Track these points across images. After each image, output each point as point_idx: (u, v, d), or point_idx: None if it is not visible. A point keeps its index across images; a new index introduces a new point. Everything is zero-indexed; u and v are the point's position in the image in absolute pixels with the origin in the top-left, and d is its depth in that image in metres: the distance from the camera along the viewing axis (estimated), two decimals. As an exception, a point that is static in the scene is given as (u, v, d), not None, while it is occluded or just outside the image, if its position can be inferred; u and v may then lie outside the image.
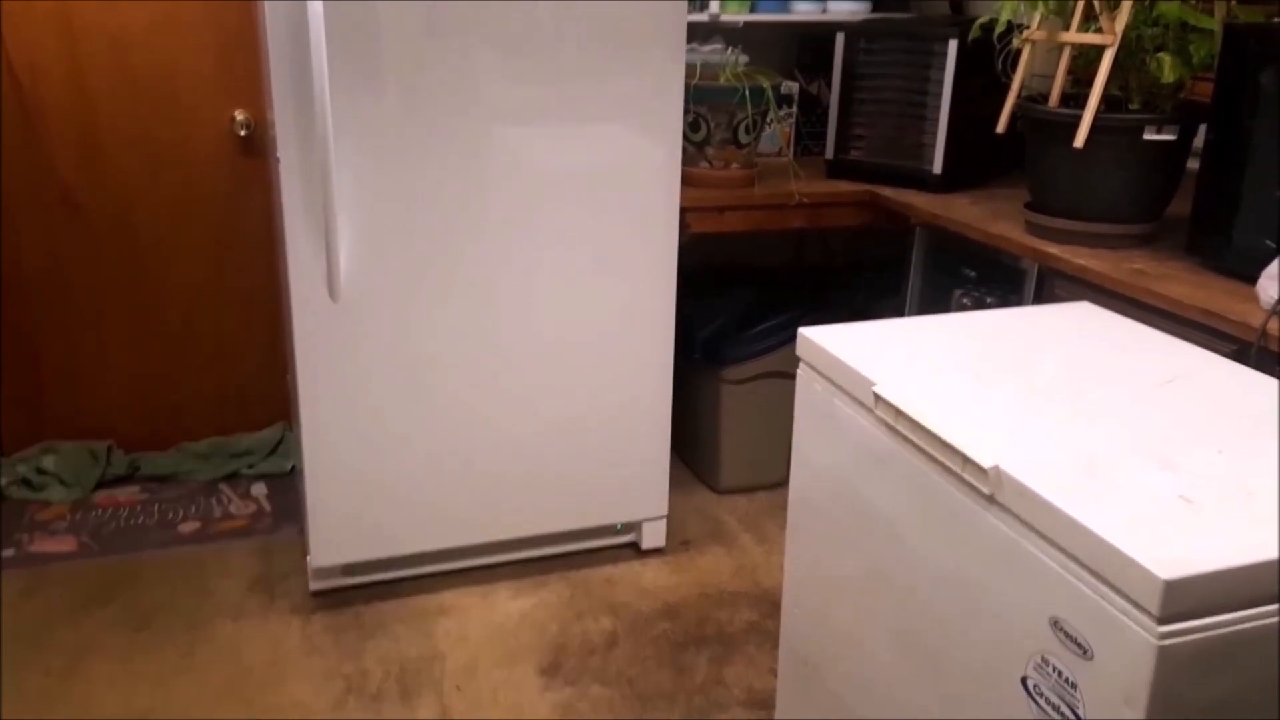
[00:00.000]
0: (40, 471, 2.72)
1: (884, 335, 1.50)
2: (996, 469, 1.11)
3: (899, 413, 1.27)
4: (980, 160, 2.47)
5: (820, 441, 1.48)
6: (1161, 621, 0.92)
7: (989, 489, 1.12)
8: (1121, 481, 1.07)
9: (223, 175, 2.73)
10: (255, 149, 2.73)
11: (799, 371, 1.52)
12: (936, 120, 2.40)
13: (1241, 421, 1.22)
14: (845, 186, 2.54)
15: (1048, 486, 1.05)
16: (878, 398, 1.31)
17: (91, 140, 2.62)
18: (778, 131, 2.82)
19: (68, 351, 2.76)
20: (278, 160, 1.98)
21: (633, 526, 2.49)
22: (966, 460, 1.14)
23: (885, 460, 1.31)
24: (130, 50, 2.58)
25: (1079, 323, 1.55)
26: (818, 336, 1.48)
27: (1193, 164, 1.86)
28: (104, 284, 2.74)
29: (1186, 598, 0.92)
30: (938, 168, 2.42)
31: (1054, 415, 1.23)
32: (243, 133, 2.70)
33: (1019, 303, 2.07)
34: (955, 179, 2.43)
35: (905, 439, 1.27)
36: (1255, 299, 1.58)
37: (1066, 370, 1.37)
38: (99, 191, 2.66)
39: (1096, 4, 1.85)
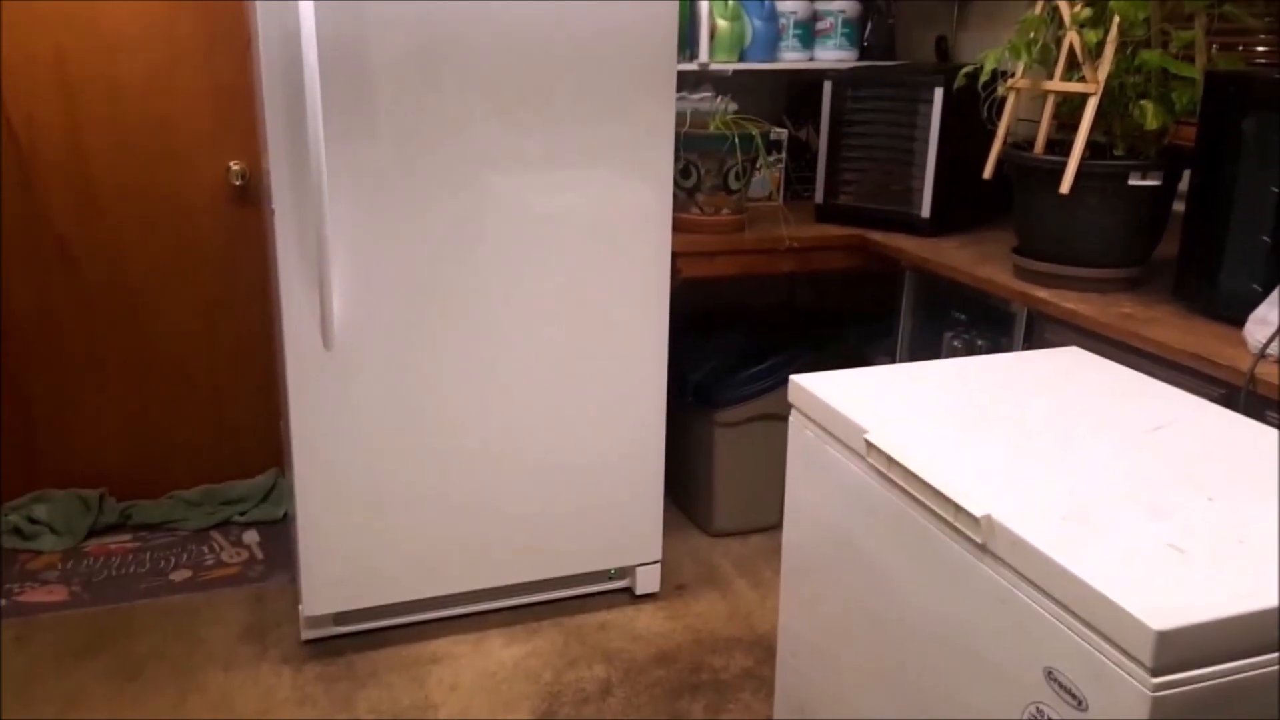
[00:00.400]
0: (32, 520, 2.70)
1: (875, 382, 1.50)
2: (988, 518, 1.11)
3: (891, 460, 1.27)
4: (969, 204, 2.50)
5: (812, 488, 1.49)
6: (1155, 673, 0.92)
7: (981, 538, 1.12)
8: (1113, 530, 1.07)
9: (218, 224, 2.75)
10: (250, 198, 2.75)
11: (791, 418, 1.53)
12: (925, 165, 2.43)
13: (1231, 468, 1.22)
14: (835, 231, 2.56)
15: (1039, 536, 1.06)
16: (870, 445, 1.32)
17: (87, 191, 2.63)
18: (767, 177, 2.85)
19: (61, 400, 2.75)
20: (273, 211, 1.99)
21: (626, 571, 2.47)
22: (959, 509, 1.15)
23: (878, 507, 1.32)
24: (127, 102, 2.61)
25: (1068, 368, 1.57)
26: (809, 383, 1.49)
27: (1179, 206, 1.88)
28: (98, 333, 2.74)
29: (1180, 648, 0.92)
30: (926, 212, 2.44)
31: (1045, 462, 1.23)
32: (238, 182, 2.72)
33: (1009, 345, 2.08)
34: (944, 223, 2.45)
35: (897, 486, 1.27)
36: (1243, 343, 1.60)
37: (1057, 417, 1.37)
38: (94, 241, 2.67)
39: (1079, 53, 1.88)
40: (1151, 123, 1.82)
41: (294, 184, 1.97)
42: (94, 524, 2.75)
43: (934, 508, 1.20)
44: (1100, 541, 1.05)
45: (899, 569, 1.28)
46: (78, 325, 2.72)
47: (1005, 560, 1.09)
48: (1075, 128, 1.89)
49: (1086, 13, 1.87)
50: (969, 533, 1.14)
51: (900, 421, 1.35)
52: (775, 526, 2.76)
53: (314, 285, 2.02)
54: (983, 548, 1.12)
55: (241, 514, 2.84)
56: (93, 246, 2.68)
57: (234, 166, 2.71)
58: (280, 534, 2.77)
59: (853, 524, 1.38)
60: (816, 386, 1.48)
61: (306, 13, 1.84)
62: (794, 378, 1.52)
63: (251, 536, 2.77)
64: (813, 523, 1.50)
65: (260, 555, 2.68)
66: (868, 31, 2.98)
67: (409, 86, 1.99)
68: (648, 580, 2.47)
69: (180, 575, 2.58)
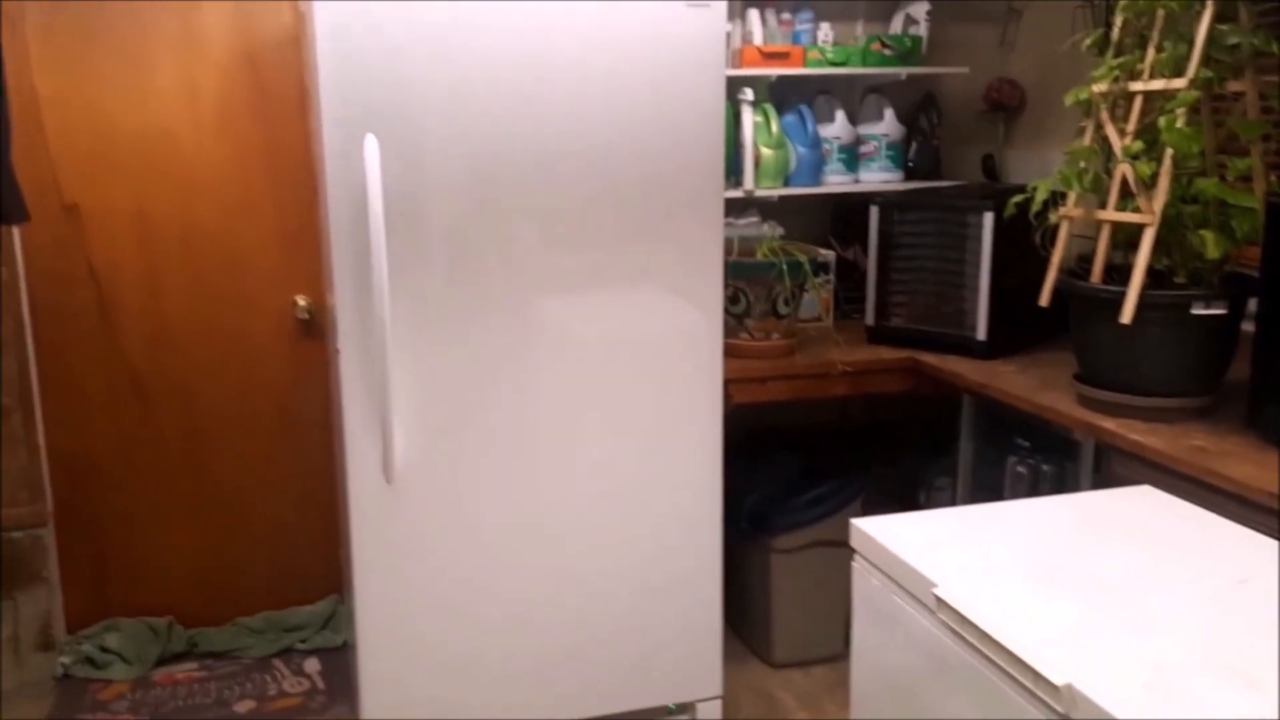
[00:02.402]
0: (103, 649, 2.73)
1: (941, 527, 1.48)
2: (1070, 687, 1.07)
3: (963, 619, 1.24)
4: (1025, 325, 2.45)
5: (880, 638, 1.45)
6: None
7: (1063, 708, 1.08)
8: (1201, 702, 1.03)
9: (283, 357, 2.83)
10: (314, 332, 2.83)
11: (854, 564, 1.50)
12: (977, 287, 2.41)
13: (1322, 627, 1.17)
14: (887, 353, 2.54)
15: (1124, 708, 1.02)
16: (940, 600, 1.29)
17: (162, 330, 2.74)
18: (816, 298, 2.85)
19: (131, 530, 2.81)
20: (338, 351, 2.04)
21: (687, 707, 2.41)
22: (1038, 676, 1.11)
23: (950, 665, 1.28)
24: (200, 245, 2.73)
25: (1141, 510, 1.52)
26: (872, 529, 1.47)
27: (1249, 326, 1.83)
28: (167, 465, 2.81)
29: (1284, 842, 0.87)
30: (982, 334, 2.41)
31: (1123, 621, 1.19)
32: (304, 317, 2.80)
33: (1075, 471, 2.03)
34: (1000, 345, 2.42)
35: (970, 645, 1.23)
36: (1323, 480, 1.54)
37: (1133, 568, 1.33)
38: (166, 378, 2.76)
39: (1132, 184, 1.87)
40: (1213, 252, 1.79)
41: (359, 322, 2.02)
42: (162, 652, 2.78)
43: (1011, 671, 1.16)
44: (1189, 716, 1.00)
45: (975, 731, 1.24)
46: (148, 458, 2.79)
47: (1089, 733, 1.05)
48: (1133, 248, 1.86)
49: (1138, 145, 1.86)
50: (1049, 700, 1.10)
51: (969, 573, 1.32)
52: (838, 657, 2.68)
53: (376, 421, 2.05)
54: (1065, 718, 1.08)
55: (303, 641, 2.85)
56: (165, 383, 2.77)
57: (300, 302, 2.80)
58: (340, 662, 2.76)
59: (924, 679, 1.34)
60: (880, 532, 1.45)
61: (372, 166, 1.92)
62: (855, 522, 1.50)
63: (313, 665, 2.77)
64: (881, 673, 1.46)
65: (321, 685, 2.67)
66: (912, 152, 3.01)
67: (464, 223, 2.04)
68: (710, 716, 2.40)
69: (244, 706, 2.57)
